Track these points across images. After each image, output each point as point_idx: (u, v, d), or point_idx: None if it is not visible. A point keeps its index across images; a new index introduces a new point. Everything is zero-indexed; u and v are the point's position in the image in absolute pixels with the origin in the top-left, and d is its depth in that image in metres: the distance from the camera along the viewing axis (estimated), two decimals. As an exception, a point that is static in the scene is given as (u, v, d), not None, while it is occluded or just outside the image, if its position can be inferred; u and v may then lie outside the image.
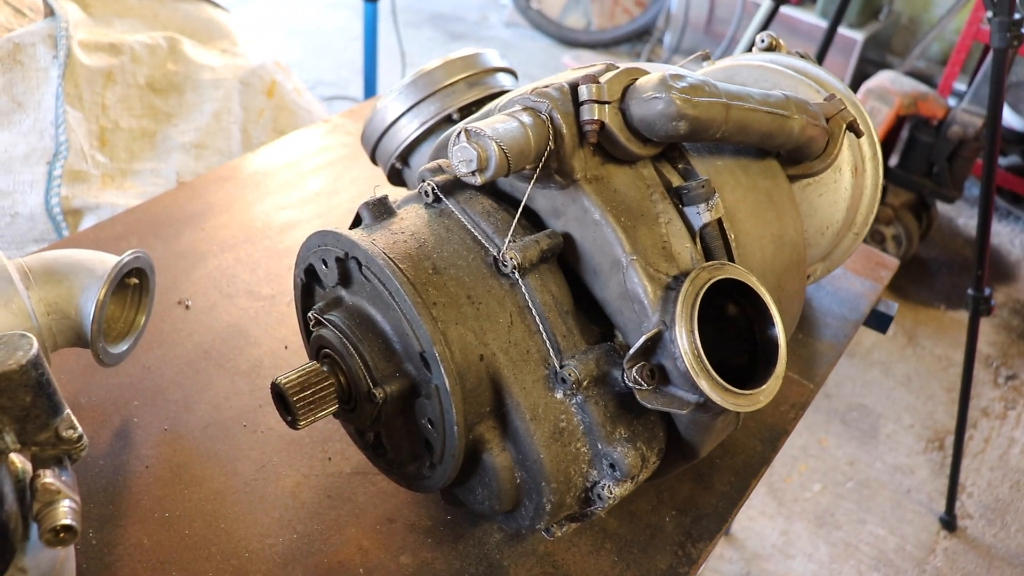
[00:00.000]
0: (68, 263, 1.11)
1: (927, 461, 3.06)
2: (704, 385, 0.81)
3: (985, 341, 3.60)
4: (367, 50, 3.43)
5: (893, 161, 3.80)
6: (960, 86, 4.35)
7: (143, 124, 2.03)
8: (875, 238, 3.77)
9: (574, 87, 0.88)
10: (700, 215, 0.92)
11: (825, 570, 2.67)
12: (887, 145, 3.67)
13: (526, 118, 0.84)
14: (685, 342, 0.82)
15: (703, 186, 0.92)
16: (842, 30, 4.52)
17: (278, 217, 1.61)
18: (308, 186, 1.71)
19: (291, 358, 1.31)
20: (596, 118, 0.86)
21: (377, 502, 1.11)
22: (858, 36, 4.51)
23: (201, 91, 2.13)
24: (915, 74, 4.88)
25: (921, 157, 3.59)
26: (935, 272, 3.96)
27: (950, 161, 3.52)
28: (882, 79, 3.57)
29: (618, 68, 0.91)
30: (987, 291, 2.48)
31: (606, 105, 0.87)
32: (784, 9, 4.56)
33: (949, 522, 2.83)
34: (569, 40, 5.77)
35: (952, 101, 3.97)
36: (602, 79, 0.88)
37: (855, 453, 3.06)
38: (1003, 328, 3.68)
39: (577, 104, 0.87)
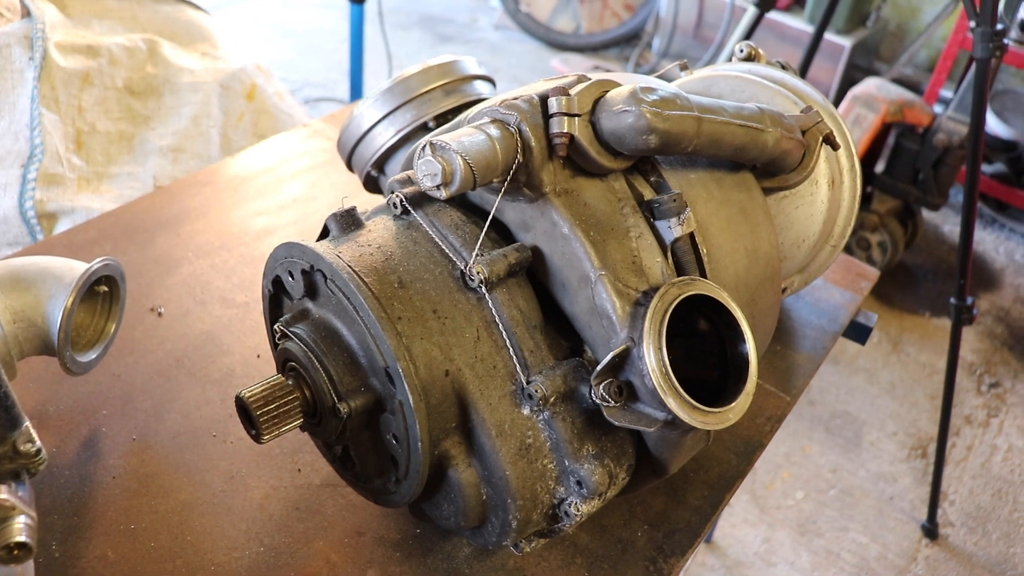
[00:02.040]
0: (36, 271, 1.10)
1: (910, 469, 3.06)
2: (672, 403, 0.80)
3: (969, 349, 3.60)
4: (353, 52, 3.42)
5: (879, 168, 3.81)
6: (947, 93, 4.36)
7: (120, 127, 2.01)
8: (861, 245, 3.77)
9: (544, 99, 0.87)
10: (671, 229, 0.91)
11: (807, 578, 2.67)
12: (873, 152, 3.67)
13: (494, 131, 0.83)
14: (653, 359, 0.81)
15: (675, 199, 0.91)
16: (830, 36, 4.53)
17: (255, 223, 1.60)
18: (286, 192, 1.70)
19: (263, 367, 1.30)
20: (566, 131, 0.85)
21: (346, 515, 1.09)
22: (846, 42, 4.52)
23: (180, 94, 2.11)
24: (903, 81, 4.89)
25: (907, 164, 3.59)
26: (920, 279, 3.97)
27: (935, 168, 3.52)
28: (868, 86, 3.57)
29: (589, 80, 0.90)
30: (969, 300, 2.48)
31: (576, 118, 0.86)
32: (772, 15, 4.57)
33: (931, 530, 2.84)
34: (558, 43, 5.76)
35: (938, 108, 3.98)
36: (572, 91, 0.87)
37: (838, 461, 3.06)
38: (987, 336, 3.69)
39: (547, 116, 0.86)
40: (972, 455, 3.16)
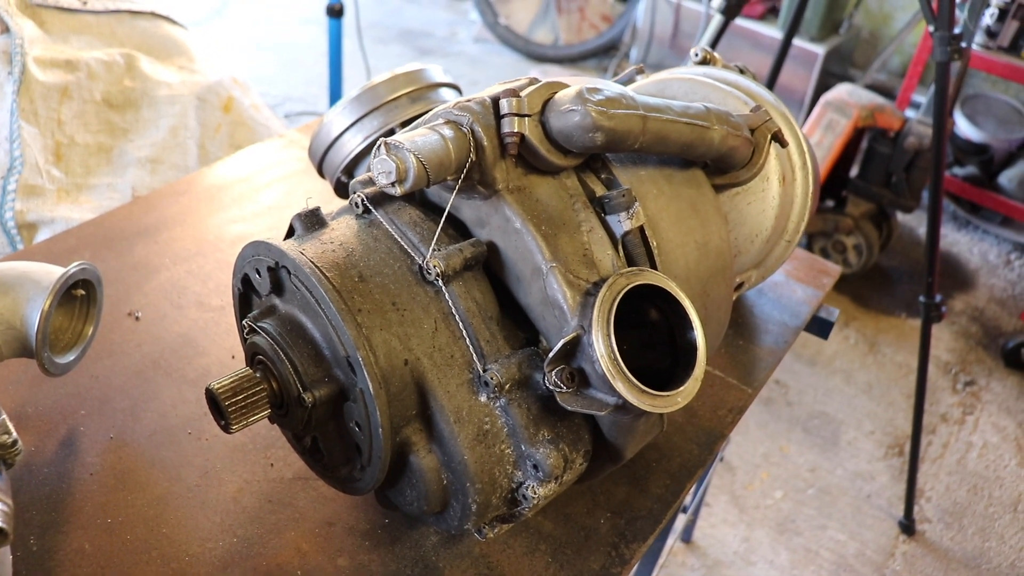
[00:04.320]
0: (14, 275, 1.13)
1: (887, 467, 3.11)
2: (620, 387, 0.84)
3: (944, 348, 3.65)
4: (332, 65, 3.47)
5: (853, 172, 3.86)
6: (919, 98, 4.43)
7: (99, 139, 2.04)
8: (836, 248, 3.82)
9: (495, 101, 0.91)
10: (621, 223, 0.95)
11: (786, 576, 2.71)
12: (847, 156, 3.73)
13: (447, 131, 0.87)
14: (602, 345, 0.85)
15: (624, 195, 0.95)
16: (804, 44, 4.59)
17: (230, 230, 1.63)
18: (261, 200, 1.73)
19: (237, 367, 1.32)
20: (516, 130, 0.89)
21: (317, 506, 1.13)
22: (819, 50, 4.58)
23: (157, 107, 2.15)
24: (876, 87, 4.96)
25: (879, 168, 3.65)
26: (896, 281, 4.02)
27: (907, 171, 3.58)
28: (840, 92, 3.63)
29: (540, 82, 0.94)
30: (938, 298, 2.53)
31: (526, 118, 0.90)
32: (746, 23, 4.64)
33: (908, 526, 2.88)
34: (537, 55, 5.82)
35: (911, 113, 4.04)
36: (523, 93, 0.91)
37: (816, 460, 3.10)
38: (962, 335, 3.74)
39: (498, 117, 0.91)
40: (948, 452, 3.21)
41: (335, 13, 3.34)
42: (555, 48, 5.82)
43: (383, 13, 6.38)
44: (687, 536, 2.76)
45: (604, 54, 5.82)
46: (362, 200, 0.97)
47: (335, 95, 3.58)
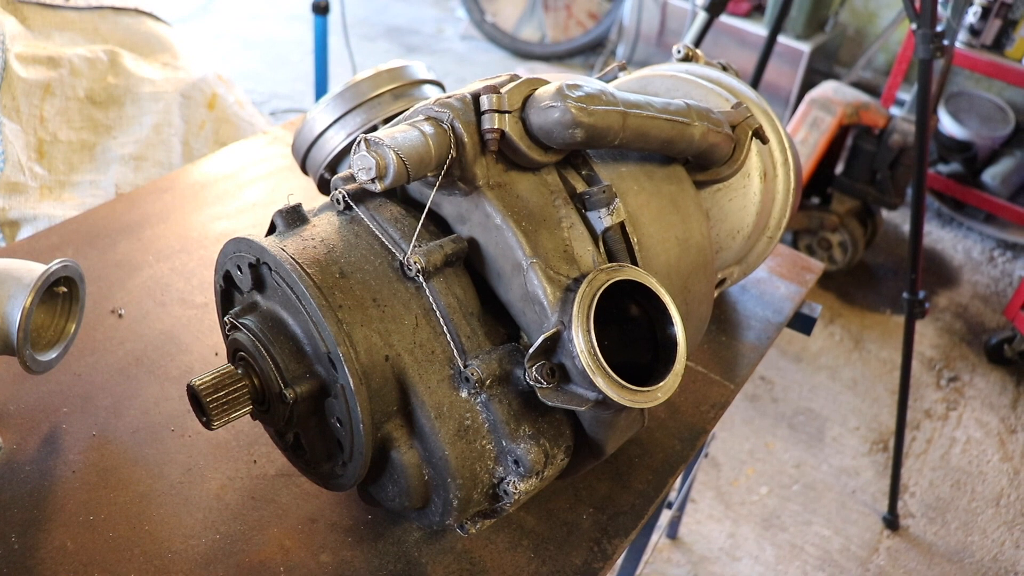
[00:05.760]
0: (-5, 272, 1.13)
1: (872, 463, 3.13)
2: (600, 382, 0.85)
3: (928, 344, 3.68)
4: (317, 63, 3.46)
5: (838, 169, 3.88)
6: (904, 96, 4.45)
7: (82, 136, 2.04)
8: (822, 245, 3.84)
9: (476, 97, 0.91)
10: (602, 219, 0.96)
11: (771, 571, 2.72)
12: (832, 153, 3.75)
13: (427, 128, 0.88)
14: (581, 341, 0.85)
15: (604, 191, 0.96)
16: (789, 41, 4.61)
17: (214, 227, 1.63)
18: (245, 197, 1.73)
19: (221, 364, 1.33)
20: (496, 127, 0.90)
21: (300, 503, 1.13)
22: (805, 47, 4.60)
23: (141, 103, 2.14)
24: (862, 84, 4.98)
25: (864, 165, 3.67)
26: (881, 277, 4.04)
27: (892, 169, 3.59)
28: (825, 89, 3.65)
29: (520, 79, 0.94)
30: (921, 294, 2.54)
31: (506, 114, 0.90)
32: (732, 21, 4.65)
33: (892, 521, 2.90)
34: (524, 53, 5.82)
35: (895, 110, 4.06)
36: (503, 89, 0.91)
37: (801, 456, 3.12)
38: (946, 331, 3.76)
39: (479, 113, 0.91)
40: (932, 448, 3.22)
41: (321, 10, 3.33)
42: (542, 46, 5.83)
43: (370, 10, 6.37)
44: (672, 532, 2.77)
45: (591, 52, 5.83)
46: (343, 196, 0.97)
47: (321, 92, 3.57)
